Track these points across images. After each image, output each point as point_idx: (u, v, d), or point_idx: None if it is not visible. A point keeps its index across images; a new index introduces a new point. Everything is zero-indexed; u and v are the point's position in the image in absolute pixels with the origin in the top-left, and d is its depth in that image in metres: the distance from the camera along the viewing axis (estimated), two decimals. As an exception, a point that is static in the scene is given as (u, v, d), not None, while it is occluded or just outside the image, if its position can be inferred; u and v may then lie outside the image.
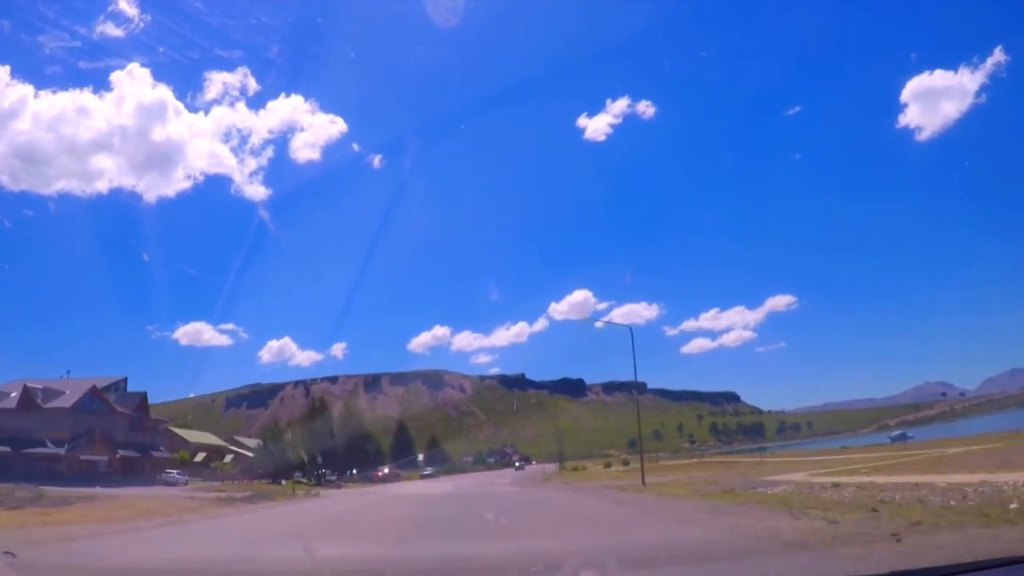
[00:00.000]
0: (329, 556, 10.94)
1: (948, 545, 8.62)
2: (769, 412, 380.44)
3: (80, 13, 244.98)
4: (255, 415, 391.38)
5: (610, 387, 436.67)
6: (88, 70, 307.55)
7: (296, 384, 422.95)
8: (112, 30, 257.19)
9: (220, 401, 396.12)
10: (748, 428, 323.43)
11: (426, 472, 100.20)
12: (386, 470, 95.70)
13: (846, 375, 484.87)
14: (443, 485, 54.14)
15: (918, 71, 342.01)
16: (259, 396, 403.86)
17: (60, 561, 7.89)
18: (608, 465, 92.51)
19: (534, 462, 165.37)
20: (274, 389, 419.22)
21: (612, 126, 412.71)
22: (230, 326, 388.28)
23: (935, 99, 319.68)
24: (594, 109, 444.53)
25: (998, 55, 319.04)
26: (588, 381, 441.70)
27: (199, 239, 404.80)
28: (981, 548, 7.86)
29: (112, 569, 7.91)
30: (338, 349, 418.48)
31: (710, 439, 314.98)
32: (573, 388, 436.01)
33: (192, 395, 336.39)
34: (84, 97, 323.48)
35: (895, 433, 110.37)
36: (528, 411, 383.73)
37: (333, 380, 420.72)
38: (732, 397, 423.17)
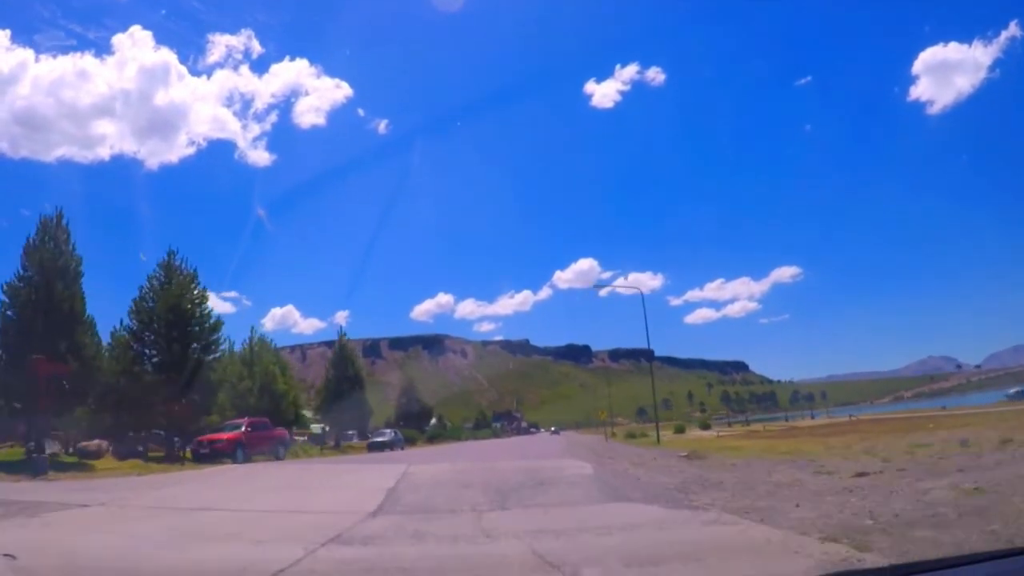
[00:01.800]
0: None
1: None
2: (779, 382, 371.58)
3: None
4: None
5: (616, 354, 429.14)
6: (89, 33, 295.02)
7: (292, 349, 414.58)
8: None
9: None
10: (760, 397, 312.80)
11: (379, 438, 51.34)
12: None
13: (850, 348, 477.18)
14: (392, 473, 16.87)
15: (932, 43, 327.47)
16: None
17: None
18: (681, 430, 68.52)
19: (542, 429, 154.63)
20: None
21: (621, 92, 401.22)
22: (233, 294, 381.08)
23: (948, 72, 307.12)
24: (603, 75, 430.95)
25: (1013, 29, 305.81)
26: (594, 348, 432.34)
27: (202, 205, 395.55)
28: None
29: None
30: (341, 317, 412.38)
31: (722, 408, 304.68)
32: (579, 354, 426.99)
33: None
34: (85, 61, 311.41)
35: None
36: (533, 377, 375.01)
37: (330, 345, 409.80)
38: (740, 366, 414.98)
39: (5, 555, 5.93)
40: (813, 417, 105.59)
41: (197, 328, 34.58)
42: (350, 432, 63.18)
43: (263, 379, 46.74)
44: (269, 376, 47.50)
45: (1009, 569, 3.44)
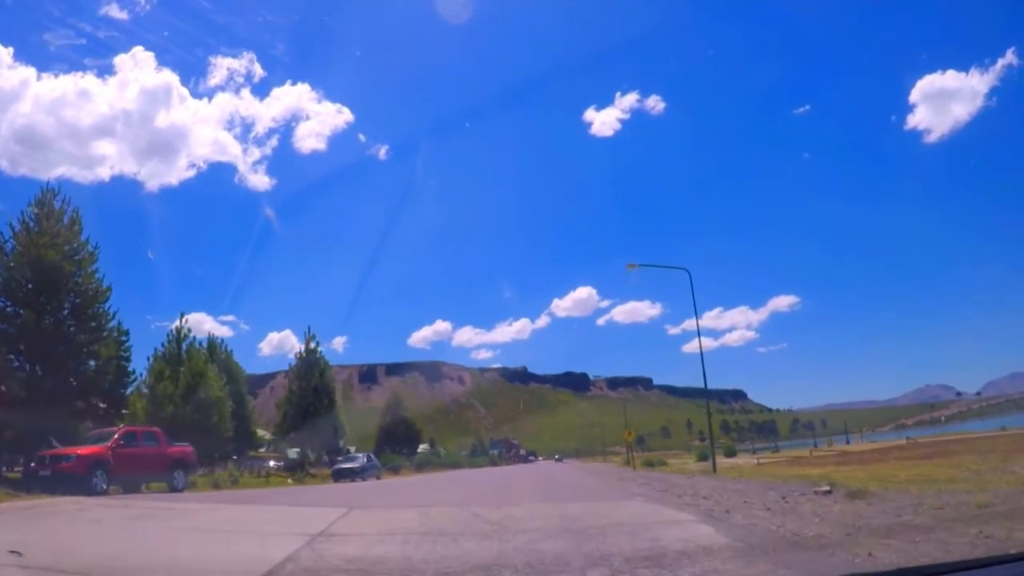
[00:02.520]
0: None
1: None
2: (778, 411, 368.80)
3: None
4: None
5: (614, 382, 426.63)
6: (92, 53, 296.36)
7: (286, 373, 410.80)
8: (117, 12, 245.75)
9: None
10: (761, 426, 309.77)
11: (347, 464, 42.30)
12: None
13: (847, 377, 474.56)
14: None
15: (929, 71, 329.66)
16: (249, 385, 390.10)
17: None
18: (705, 457, 61.01)
19: (541, 457, 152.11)
20: (264, 378, 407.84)
21: (621, 121, 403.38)
22: (231, 318, 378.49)
23: (945, 100, 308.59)
24: (603, 102, 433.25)
25: (1010, 57, 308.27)
26: (592, 376, 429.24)
27: (202, 229, 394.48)
28: None
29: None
30: (339, 343, 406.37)
31: (721, 436, 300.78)
32: (576, 383, 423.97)
33: None
34: (87, 81, 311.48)
35: None
36: (530, 405, 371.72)
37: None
38: (739, 395, 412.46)
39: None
40: (848, 442, 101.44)
41: (76, 299, 25.98)
42: (326, 457, 51.63)
43: (189, 381, 36.01)
44: (198, 378, 36.60)
45: (1016, 573, 3.31)
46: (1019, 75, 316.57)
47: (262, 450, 57.03)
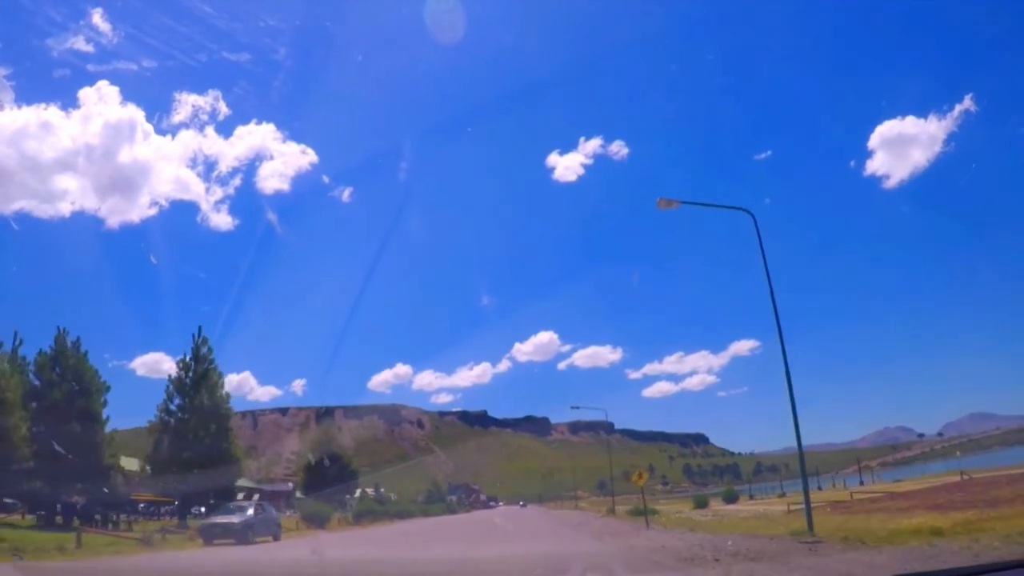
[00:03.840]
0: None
1: None
2: (740, 454, 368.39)
3: (50, 26, 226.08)
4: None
5: (576, 426, 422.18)
6: (55, 85, 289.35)
7: (244, 415, 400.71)
8: (83, 45, 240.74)
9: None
10: (723, 469, 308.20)
11: (223, 518, 28.92)
12: None
13: (807, 420, 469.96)
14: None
15: (888, 117, 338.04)
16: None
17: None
18: (703, 503, 54.96)
19: (502, 503, 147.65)
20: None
21: (584, 166, 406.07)
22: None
23: (903, 146, 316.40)
24: (566, 147, 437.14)
25: (968, 103, 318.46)
26: (553, 420, 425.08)
27: (163, 268, 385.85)
28: None
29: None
30: (298, 385, 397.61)
31: (683, 480, 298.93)
32: (538, 427, 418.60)
33: (138, 426, 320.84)
34: (50, 113, 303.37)
35: None
36: (491, 449, 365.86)
37: (284, 412, 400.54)
38: (701, 439, 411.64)
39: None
40: (869, 482, 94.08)
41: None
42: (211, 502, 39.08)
43: None
44: None
45: None
46: (976, 121, 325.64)
47: (141, 491, 43.14)
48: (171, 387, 41.16)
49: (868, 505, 30.48)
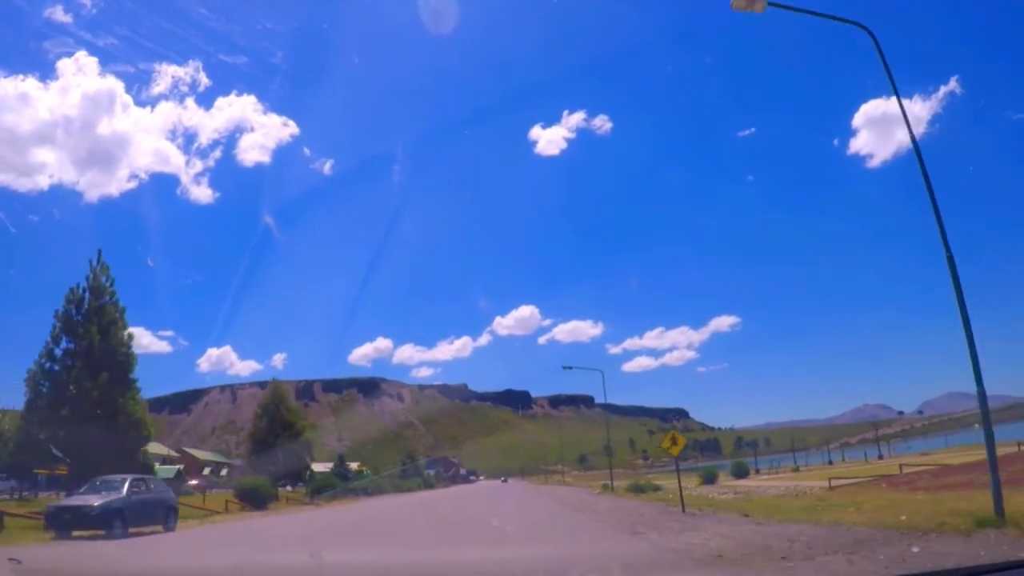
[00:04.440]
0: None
1: None
2: (720, 429, 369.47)
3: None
4: (177, 420, 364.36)
5: (556, 400, 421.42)
6: (33, 56, 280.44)
7: (223, 388, 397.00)
8: (61, 16, 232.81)
9: (144, 405, 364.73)
10: (704, 444, 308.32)
11: (74, 503, 20.41)
12: None
13: (786, 397, 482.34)
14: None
15: (874, 96, 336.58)
16: (181, 400, 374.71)
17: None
18: (711, 479, 51.84)
19: (482, 476, 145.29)
20: (199, 393, 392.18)
21: (567, 140, 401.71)
22: (169, 332, 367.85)
23: (887, 126, 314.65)
24: (550, 120, 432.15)
25: (953, 85, 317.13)
26: (534, 394, 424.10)
27: (141, 242, 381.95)
28: None
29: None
30: (279, 359, 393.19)
31: (664, 455, 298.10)
32: (518, 400, 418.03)
33: None
34: (28, 84, 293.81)
35: None
36: (471, 423, 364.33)
37: (262, 385, 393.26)
38: (681, 413, 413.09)
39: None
40: (870, 458, 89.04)
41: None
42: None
43: None
44: None
45: None
46: (961, 103, 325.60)
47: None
48: (57, 325, 32.74)
49: (901, 480, 27.71)
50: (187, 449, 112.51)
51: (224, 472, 66.01)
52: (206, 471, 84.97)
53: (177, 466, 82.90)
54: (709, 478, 51.57)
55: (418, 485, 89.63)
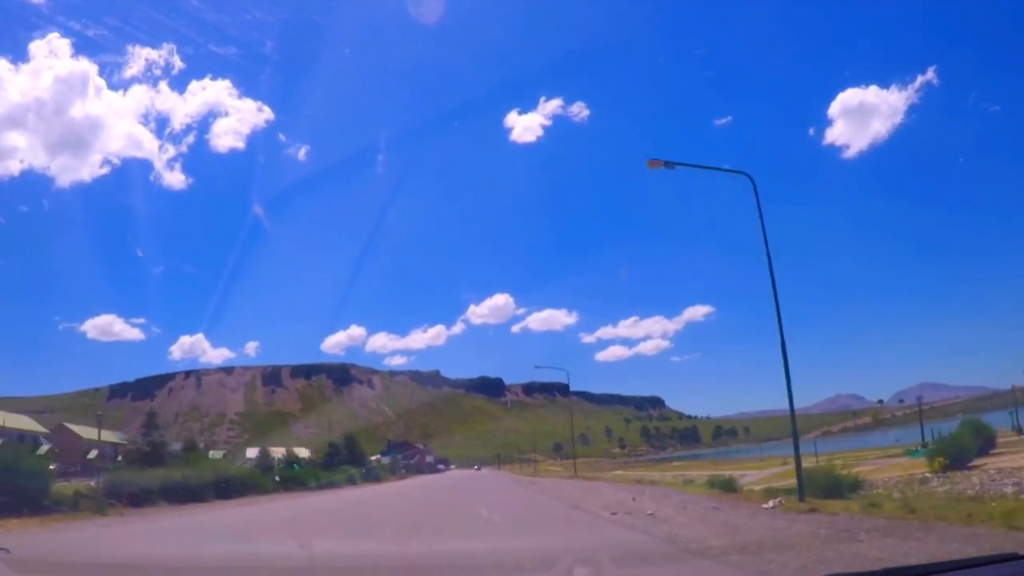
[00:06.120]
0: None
1: None
2: (697, 417, 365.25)
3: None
4: (140, 407, 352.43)
5: (530, 388, 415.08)
6: (3, 37, 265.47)
7: (187, 374, 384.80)
8: None
9: (105, 392, 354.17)
10: (682, 433, 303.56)
11: None
12: None
13: (759, 386, 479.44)
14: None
15: (852, 85, 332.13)
16: (144, 386, 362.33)
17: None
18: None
19: (454, 466, 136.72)
20: (164, 379, 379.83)
21: (543, 127, 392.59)
22: (141, 320, 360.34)
23: (864, 116, 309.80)
24: (526, 106, 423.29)
25: (930, 75, 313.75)
26: (507, 382, 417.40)
27: (115, 227, 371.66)
28: None
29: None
30: (251, 347, 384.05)
31: (641, 444, 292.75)
32: (491, 388, 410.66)
33: (82, 388, 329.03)
34: None
35: None
36: (444, 411, 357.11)
37: (228, 371, 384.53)
38: (657, 402, 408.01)
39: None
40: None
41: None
42: None
43: None
44: None
45: (1003, 574, 3.37)
46: (938, 94, 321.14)
47: None
48: None
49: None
50: (68, 425, 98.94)
51: (120, 457, 55.73)
52: (92, 454, 73.54)
53: (45, 446, 72.78)
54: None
55: (342, 480, 65.91)
